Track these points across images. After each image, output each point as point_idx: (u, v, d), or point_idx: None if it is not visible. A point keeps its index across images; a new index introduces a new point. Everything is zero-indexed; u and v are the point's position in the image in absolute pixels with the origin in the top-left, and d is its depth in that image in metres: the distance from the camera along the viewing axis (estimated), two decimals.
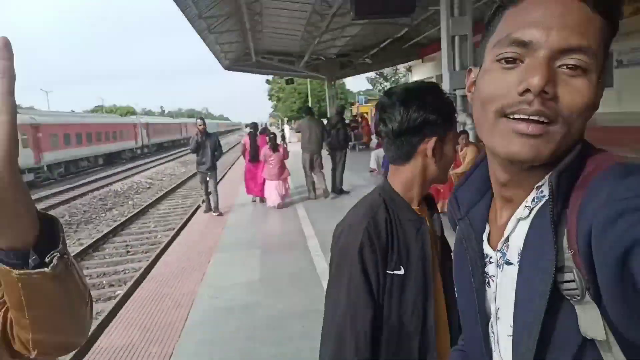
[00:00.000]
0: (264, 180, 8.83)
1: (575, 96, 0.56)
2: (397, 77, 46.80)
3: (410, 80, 30.46)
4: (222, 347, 3.41)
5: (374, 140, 15.18)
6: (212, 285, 4.82)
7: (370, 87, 51.71)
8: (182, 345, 3.54)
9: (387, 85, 48.93)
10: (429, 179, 1.21)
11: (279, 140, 9.64)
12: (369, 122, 22.25)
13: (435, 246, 1.22)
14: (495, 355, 0.72)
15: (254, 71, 22.40)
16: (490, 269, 0.71)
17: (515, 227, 0.66)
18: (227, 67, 21.36)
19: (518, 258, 0.64)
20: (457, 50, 7.80)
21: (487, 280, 0.72)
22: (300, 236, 6.43)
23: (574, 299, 0.56)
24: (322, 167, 9.18)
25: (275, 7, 14.11)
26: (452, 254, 0.81)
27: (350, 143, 8.96)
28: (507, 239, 0.68)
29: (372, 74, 47.04)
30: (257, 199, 9.33)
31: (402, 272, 1.12)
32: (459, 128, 7.74)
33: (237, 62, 21.15)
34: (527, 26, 0.57)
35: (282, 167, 8.69)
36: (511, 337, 0.64)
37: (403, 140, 1.17)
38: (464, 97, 7.99)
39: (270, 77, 41.71)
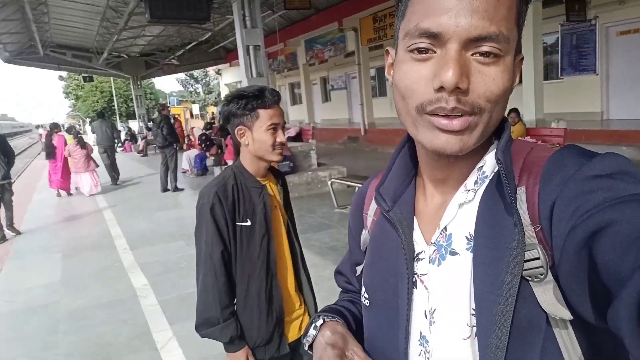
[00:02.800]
0: (64, 174, 10.10)
1: (490, 85, 0.55)
2: (207, 79, 46.73)
3: (221, 83, 30.93)
4: (24, 343, 3.47)
5: (185, 141, 15.26)
6: (7, 291, 4.62)
7: (181, 88, 50.47)
8: None
9: (199, 87, 48.48)
10: (257, 157, 1.60)
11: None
12: (182, 124, 22.01)
13: (278, 206, 1.72)
14: None
15: (44, 66, 20.02)
16: (420, 266, 0.66)
17: (457, 214, 0.63)
18: (8, 60, 18.66)
19: (468, 245, 0.61)
20: (252, 59, 8.65)
21: (415, 280, 0.66)
22: (107, 236, 6.44)
23: (536, 279, 0.54)
24: (114, 159, 11.36)
25: None
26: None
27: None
28: (444, 229, 0.64)
29: (182, 76, 46.07)
30: (60, 191, 10.32)
31: (248, 223, 1.58)
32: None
33: (20, 54, 18.65)
34: (434, 14, 0.55)
35: (89, 160, 10.05)
36: (467, 340, 0.60)
37: (229, 129, 1.61)
38: None
39: (64, 74, 37.28)
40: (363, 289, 0.75)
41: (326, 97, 21.82)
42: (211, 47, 21.36)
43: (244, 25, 8.41)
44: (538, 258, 0.53)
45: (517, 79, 0.61)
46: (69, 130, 11.49)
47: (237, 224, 1.58)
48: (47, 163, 10.64)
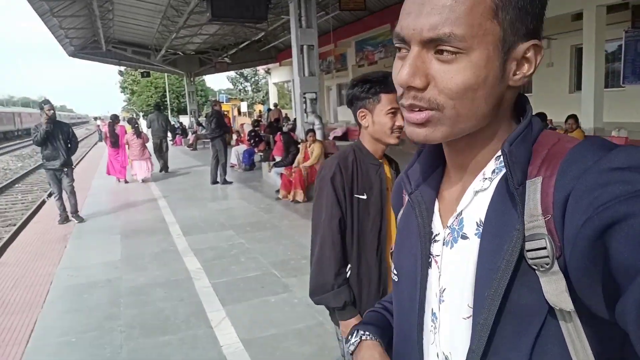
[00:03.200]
0: (125, 163, 11.08)
1: (447, 82, 0.57)
2: (257, 78, 47.63)
3: (270, 82, 31.49)
4: (87, 314, 3.73)
5: (234, 137, 15.67)
6: (70, 266, 4.95)
7: (231, 86, 51.71)
8: (45, 314, 3.74)
9: (247, 85, 49.52)
10: (375, 139, 1.65)
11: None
12: (230, 121, 22.58)
13: (390, 188, 1.68)
14: (432, 347, 0.70)
15: (105, 61, 21.09)
16: (435, 247, 0.69)
17: (472, 200, 0.65)
18: (73, 54, 19.79)
19: (477, 231, 0.63)
20: (305, 58, 8.82)
21: (430, 260, 0.70)
22: (162, 222, 6.76)
23: (542, 268, 0.55)
24: (167, 149, 12.64)
25: None
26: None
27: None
28: (460, 214, 0.67)
29: (232, 74, 47.20)
30: (122, 180, 11.05)
31: (365, 197, 1.65)
32: (308, 127, 8.76)
33: (84, 49, 19.73)
34: (403, 17, 0.59)
35: (144, 149, 11.01)
36: (468, 320, 0.63)
37: (352, 111, 1.67)
38: (312, 100, 9.07)
39: (122, 69, 39.10)
40: (393, 265, 0.80)
41: None
42: (262, 46, 21.82)
43: (300, 25, 8.59)
44: (545, 248, 0.54)
45: (533, 68, 0.61)
46: (129, 122, 12.53)
47: (355, 195, 1.65)
48: (104, 152, 11.62)
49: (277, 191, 8.20)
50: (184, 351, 3.06)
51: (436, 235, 0.70)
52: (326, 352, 2.97)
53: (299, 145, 8.63)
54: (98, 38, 17.90)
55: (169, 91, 42.69)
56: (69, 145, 6.80)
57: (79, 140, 7.35)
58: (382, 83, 1.59)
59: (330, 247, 1.61)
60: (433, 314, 0.69)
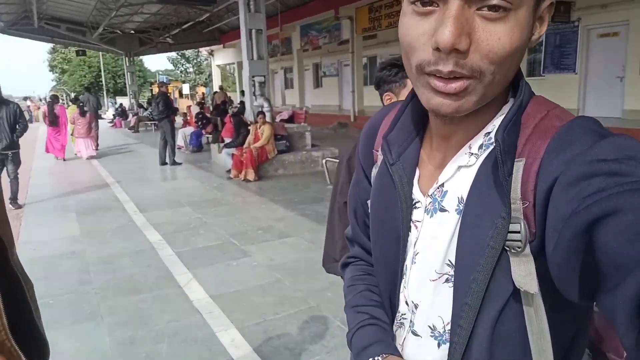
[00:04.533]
0: (65, 142, 11.47)
1: (494, 45, 0.52)
2: (199, 60, 46.53)
3: (213, 64, 30.98)
4: (60, 280, 3.96)
5: (179, 119, 15.59)
6: (30, 241, 5.06)
7: (171, 67, 50.12)
8: None
9: (189, 66, 48.24)
10: None
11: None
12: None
13: None
14: (401, 296, 0.74)
15: (37, 38, 20.01)
16: (416, 214, 0.70)
17: (455, 174, 0.65)
18: (2, 31, 18.61)
19: (457, 207, 0.63)
20: (254, 42, 9.07)
21: (410, 225, 0.71)
22: (115, 200, 6.91)
23: (513, 251, 0.56)
24: (97, 128, 12.81)
25: None
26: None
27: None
28: (442, 185, 0.66)
29: (174, 55, 45.79)
30: (60, 158, 11.43)
31: None
32: (257, 109, 9.08)
33: (14, 25, 18.61)
34: None
35: (90, 128, 11.57)
36: (433, 282, 0.66)
37: (379, 93, 1.70)
38: (261, 83, 9.37)
39: (53, 46, 36.82)
40: (370, 222, 0.81)
41: (318, 83, 22.23)
42: (206, 27, 21.53)
43: (248, 10, 8.82)
44: (519, 232, 0.55)
45: (544, 28, 0.59)
46: (73, 101, 13.58)
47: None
48: (37, 132, 12.08)
49: (228, 171, 8.51)
50: (159, 306, 3.43)
51: (416, 202, 0.70)
52: (286, 301, 3.44)
53: (249, 127, 8.95)
54: (30, 14, 16.97)
55: (104, 71, 40.82)
56: (17, 126, 6.42)
57: None
58: None
59: (337, 223, 1.73)
60: (404, 272, 0.73)
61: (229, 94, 24.62)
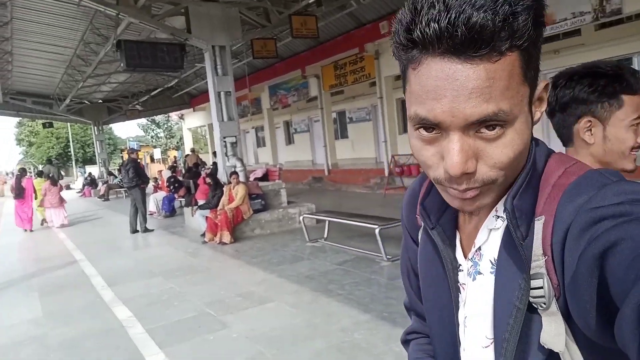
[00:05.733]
0: (31, 214, 11.78)
1: (499, 157, 0.56)
2: (170, 124, 46.77)
3: (184, 127, 31.06)
4: None
5: (151, 185, 15.30)
6: None
7: (142, 133, 50.09)
8: None
9: (160, 131, 48.34)
10: (603, 163, 1.12)
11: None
12: (144, 168, 21.91)
13: None
14: None
15: (3, 113, 19.73)
16: (461, 277, 0.72)
17: (488, 238, 0.67)
18: None
19: (492, 270, 0.65)
20: (223, 104, 9.11)
21: (458, 287, 0.72)
22: (82, 275, 6.49)
23: (540, 308, 0.57)
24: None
25: (30, 48, 13.31)
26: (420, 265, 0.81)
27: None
28: (479, 249, 0.68)
29: (143, 121, 45.91)
30: (28, 229, 11.60)
31: None
32: (230, 170, 8.95)
33: None
34: (429, 99, 0.54)
35: (61, 197, 12.01)
36: (486, 349, 0.67)
37: (557, 121, 1.17)
38: (233, 144, 9.31)
39: (20, 120, 36.43)
40: (421, 291, 0.82)
41: (289, 140, 22.44)
42: (175, 92, 21.76)
43: (216, 73, 8.91)
44: (542, 287, 0.56)
45: (545, 105, 0.63)
46: (39, 174, 13.77)
47: None
48: (6, 208, 12.24)
49: (203, 235, 8.22)
50: None
51: (460, 265, 0.72)
52: None
53: (223, 188, 8.78)
54: None
55: (73, 141, 40.40)
56: None
57: None
58: (620, 79, 1.08)
59: None
60: (458, 338, 0.73)
61: (201, 155, 24.58)
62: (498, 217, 0.66)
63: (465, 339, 0.72)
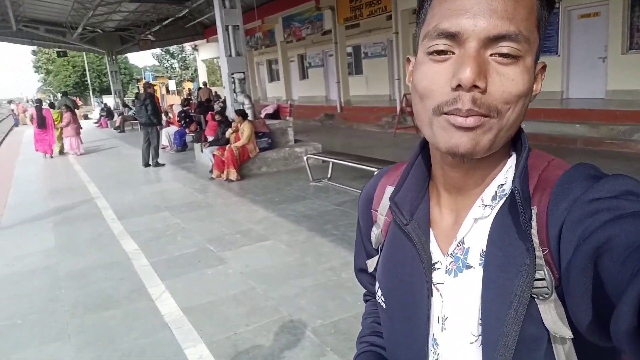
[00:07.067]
0: (53, 142, 12.99)
1: (508, 86, 0.56)
2: (184, 55, 46.07)
3: (198, 59, 30.62)
4: (29, 298, 3.89)
5: (164, 118, 15.45)
6: (4, 256, 4.99)
7: (157, 63, 49.58)
8: None
9: (175, 62, 47.74)
10: None
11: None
12: (159, 101, 21.97)
13: None
14: None
15: (16, 41, 19.66)
16: (436, 276, 0.68)
17: (472, 228, 0.65)
18: None
19: (480, 261, 0.63)
20: (231, 39, 8.93)
21: (431, 288, 0.68)
22: (95, 208, 6.81)
23: (541, 298, 0.57)
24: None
25: None
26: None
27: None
28: (462, 242, 0.66)
29: (158, 51, 45.29)
30: (48, 155, 12.85)
31: None
32: (238, 107, 8.96)
33: None
34: (453, 15, 0.56)
35: (78, 127, 13.17)
36: (472, 344, 0.63)
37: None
38: (241, 80, 9.24)
39: (35, 48, 36.28)
40: (379, 291, 0.78)
41: (304, 75, 22.05)
42: (188, 22, 21.23)
43: (223, 5, 8.66)
44: (544, 279, 0.56)
45: (540, 87, 0.63)
46: (51, 106, 14.20)
47: None
48: (22, 137, 13.32)
49: (211, 171, 8.42)
50: (127, 322, 3.37)
51: (435, 263, 0.68)
52: (258, 311, 3.39)
53: (231, 127, 8.84)
54: (7, 17, 16.64)
55: (89, 70, 40.32)
56: None
57: None
58: None
59: None
60: (434, 339, 0.69)
61: (216, 88, 24.43)
62: (486, 205, 0.64)
63: (445, 340, 0.68)
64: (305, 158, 7.82)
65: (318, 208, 5.89)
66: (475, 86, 0.55)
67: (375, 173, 0.87)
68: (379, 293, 0.77)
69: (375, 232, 0.80)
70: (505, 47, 0.55)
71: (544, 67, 0.63)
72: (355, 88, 17.27)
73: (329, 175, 7.37)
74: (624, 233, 0.46)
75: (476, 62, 0.55)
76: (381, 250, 0.79)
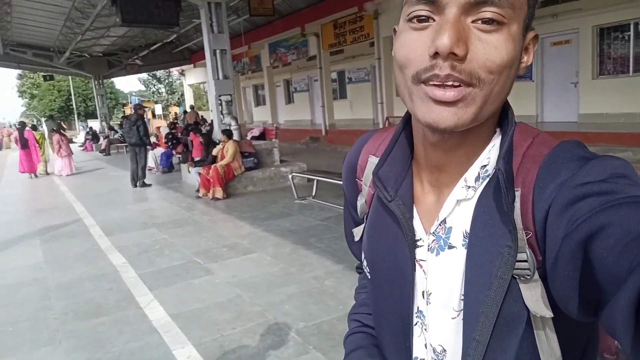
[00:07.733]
0: (37, 161, 13.55)
1: (491, 54, 0.53)
2: (170, 80, 46.42)
3: (185, 83, 30.94)
4: (19, 307, 3.95)
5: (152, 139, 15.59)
6: None
7: (143, 87, 49.83)
8: None
9: (161, 87, 48.04)
10: None
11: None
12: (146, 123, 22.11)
13: None
14: (419, 340, 0.70)
15: (3, 64, 19.71)
16: (420, 252, 0.67)
17: (454, 209, 0.64)
18: None
19: (464, 241, 0.62)
20: (219, 62, 9.21)
21: (415, 264, 0.68)
22: (82, 225, 6.88)
23: (522, 278, 0.56)
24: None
25: None
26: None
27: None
28: (444, 221, 0.65)
29: (144, 76, 45.59)
30: (32, 175, 13.37)
31: None
32: (224, 127, 9.17)
33: None
34: None
35: (69, 147, 13.52)
36: (454, 320, 0.64)
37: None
38: (228, 102, 9.49)
39: (21, 72, 36.28)
40: (364, 261, 0.78)
41: (289, 99, 22.47)
42: (175, 48, 21.60)
43: (212, 31, 8.97)
44: (526, 260, 0.55)
45: (531, 58, 0.60)
46: (34, 128, 14.83)
47: None
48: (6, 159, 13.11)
49: (197, 190, 8.55)
50: (117, 328, 3.47)
51: (418, 240, 0.68)
52: (244, 316, 3.53)
53: (218, 146, 9.03)
54: None
55: (75, 94, 40.35)
56: None
57: None
58: None
59: None
60: (419, 311, 0.70)
61: (202, 113, 24.66)
62: (469, 187, 0.63)
63: (431, 313, 0.68)
64: (290, 176, 8.03)
65: (303, 223, 6.06)
66: (454, 54, 0.52)
67: (358, 139, 0.85)
68: (365, 263, 0.77)
69: (360, 202, 0.79)
70: (487, 12, 0.53)
71: (535, 37, 0.60)
72: (339, 112, 17.68)
73: (313, 193, 7.57)
74: (618, 221, 0.45)
75: (455, 28, 0.52)
76: (366, 220, 0.78)
